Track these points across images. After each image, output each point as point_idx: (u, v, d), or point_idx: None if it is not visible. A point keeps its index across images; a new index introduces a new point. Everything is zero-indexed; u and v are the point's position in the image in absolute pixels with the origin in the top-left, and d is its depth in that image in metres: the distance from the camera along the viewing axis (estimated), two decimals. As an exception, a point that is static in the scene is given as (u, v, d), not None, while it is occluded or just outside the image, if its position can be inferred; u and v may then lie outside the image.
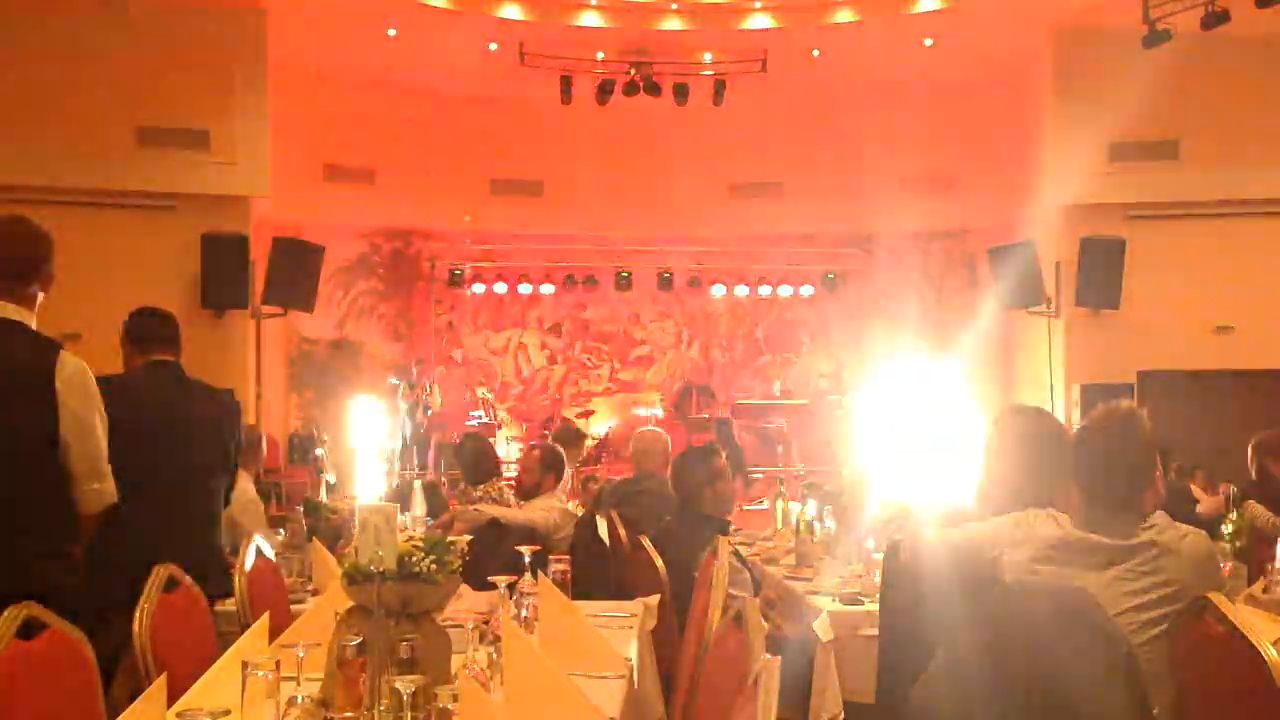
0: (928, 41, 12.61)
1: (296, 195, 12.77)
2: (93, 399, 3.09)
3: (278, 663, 2.24)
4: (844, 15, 12.33)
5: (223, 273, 11.20)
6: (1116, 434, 2.77)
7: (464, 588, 3.03)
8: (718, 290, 14.71)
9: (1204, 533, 2.76)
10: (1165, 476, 4.44)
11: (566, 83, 12.72)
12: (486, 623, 2.86)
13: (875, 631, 3.83)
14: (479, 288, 14.54)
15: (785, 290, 14.88)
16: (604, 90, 12.77)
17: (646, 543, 4.45)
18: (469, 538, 4.55)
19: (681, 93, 12.81)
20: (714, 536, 3.76)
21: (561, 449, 6.14)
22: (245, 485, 5.48)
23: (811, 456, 14.15)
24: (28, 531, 2.98)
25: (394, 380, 13.65)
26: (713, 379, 15.20)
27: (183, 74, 11.48)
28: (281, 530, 5.42)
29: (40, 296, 3.14)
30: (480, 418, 13.77)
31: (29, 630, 2.24)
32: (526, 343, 15.11)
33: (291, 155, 12.66)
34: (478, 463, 5.97)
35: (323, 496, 5.99)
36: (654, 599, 3.99)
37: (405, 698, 1.95)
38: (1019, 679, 2.49)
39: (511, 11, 12.21)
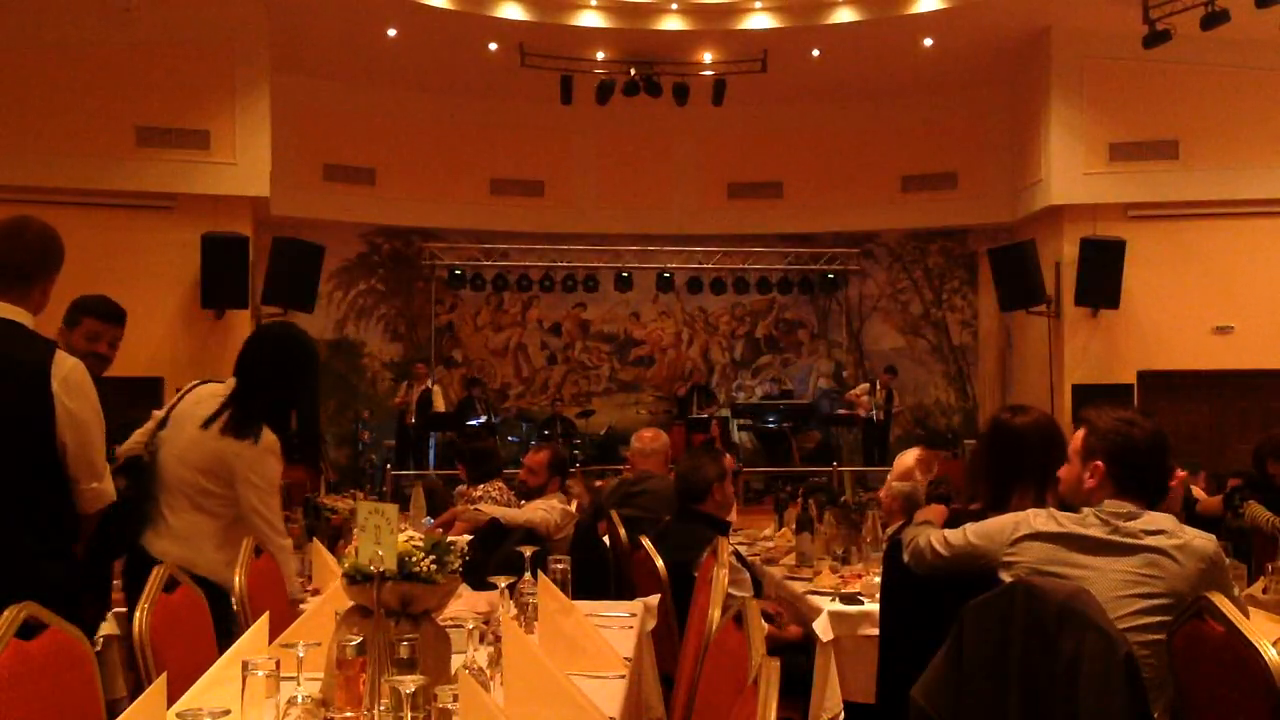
0: (927, 41, 12.61)
1: (296, 195, 12.77)
2: (90, 398, 3.07)
3: (278, 663, 2.24)
4: (844, 15, 12.33)
5: (223, 273, 11.21)
6: (1113, 432, 2.77)
7: (464, 588, 3.03)
8: (718, 290, 14.70)
9: (1211, 536, 2.73)
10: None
11: (566, 83, 12.72)
12: (486, 623, 2.86)
13: (875, 631, 3.83)
14: (479, 288, 14.53)
15: (785, 290, 14.87)
16: (604, 90, 12.77)
17: (646, 543, 4.44)
18: (469, 538, 4.56)
19: (681, 93, 12.81)
20: (714, 536, 3.75)
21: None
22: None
23: (811, 456, 14.17)
24: (27, 531, 2.98)
25: (395, 380, 13.67)
26: (713, 379, 15.20)
27: (183, 74, 11.50)
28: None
29: (46, 296, 3.13)
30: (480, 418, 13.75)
31: (29, 630, 2.24)
32: (526, 343, 15.10)
33: (291, 155, 12.67)
34: (479, 462, 5.96)
35: (322, 497, 5.97)
36: (654, 599, 3.99)
37: (405, 698, 1.94)
38: (1019, 679, 2.49)
39: (511, 11, 12.21)
